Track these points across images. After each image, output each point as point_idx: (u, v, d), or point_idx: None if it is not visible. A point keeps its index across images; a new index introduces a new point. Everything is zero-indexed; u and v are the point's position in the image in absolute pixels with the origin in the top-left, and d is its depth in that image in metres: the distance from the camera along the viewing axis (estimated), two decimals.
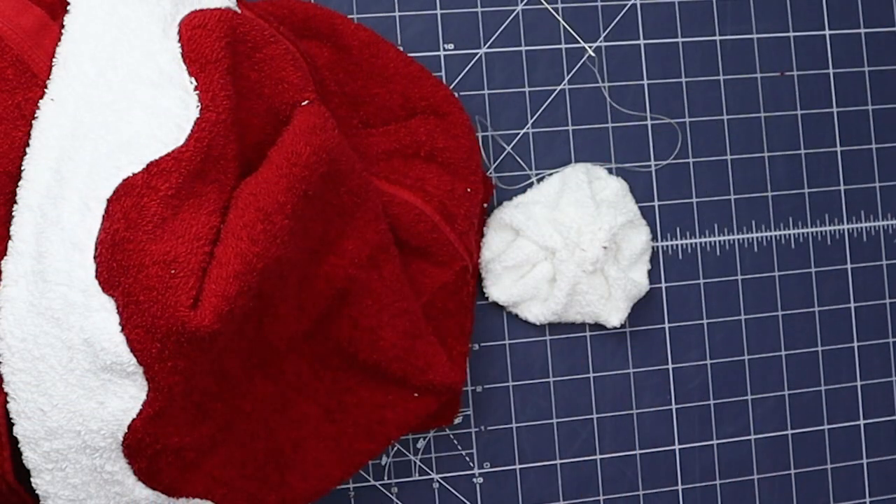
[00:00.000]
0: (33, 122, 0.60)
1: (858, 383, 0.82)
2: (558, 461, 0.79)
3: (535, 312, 0.76)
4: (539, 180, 0.77)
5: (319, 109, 0.64)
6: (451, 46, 0.77)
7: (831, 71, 0.82)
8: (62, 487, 0.60)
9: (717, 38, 0.80)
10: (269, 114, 0.64)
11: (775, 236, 0.81)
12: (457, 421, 0.77)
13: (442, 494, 0.77)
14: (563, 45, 0.78)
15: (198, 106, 0.59)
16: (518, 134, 0.78)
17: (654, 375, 0.79)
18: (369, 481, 0.76)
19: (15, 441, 0.60)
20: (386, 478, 0.77)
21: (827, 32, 0.82)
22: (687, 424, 0.80)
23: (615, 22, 0.79)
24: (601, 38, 0.79)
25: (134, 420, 0.59)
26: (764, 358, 0.81)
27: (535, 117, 0.78)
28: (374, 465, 0.76)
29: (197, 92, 0.59)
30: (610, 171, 0.79)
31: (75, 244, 0.57)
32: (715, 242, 0.80)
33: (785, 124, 0.81)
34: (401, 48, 0.75)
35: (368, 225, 0.66)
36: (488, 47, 0.78)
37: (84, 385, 0.58)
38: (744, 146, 0.81)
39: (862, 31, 0.83)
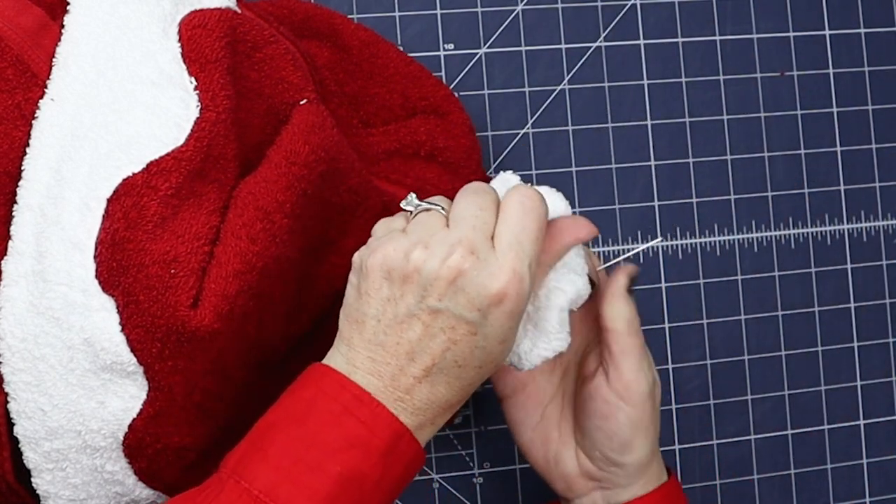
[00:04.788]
0: (33, 122, 0.60)
1: (858, 383, 0.82)
2: None
3: None
4: None
5: (318, 108, 0.64)
6: (451, 46, 0.77)
7: (831, 71, 0.82)
8: (62, 487, 0.60)
9: (717, 38, 0.80)
10: (269, 114, 0.64)
11: (775, 236, 0.81)
12: (457, 421, 0.77)
13: (442, 494, 0.77)
14: (563, 45, 0.79)
15: (198, 106, 0.59)
16: (518, 134, 0.78)
17: None
18: None
19: (15, 441, 0.60)
20: None
21: (827, 32, 0.82)
22: (687, 424, 0.80)
23: (615, 22, 0.79)
24: (601, 38, 0.79)
25: (134, 420, 0.59)
26: (764, 358, 0.81)
27: (535, 117, 0.78)
28: None
29: (197, 92, 0.59)
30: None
31: (75, 244, 0.57)
32: (715, 242, 0.80)
33: (785, 124, 0.81)
34: (401, 48, 0.75)
35: (369, 224, 0.66)
36: (488, 47, 0.78)
37: (84, 385, 0.58)
38: (744, 146, 0.81)
39: (862, 31, 0.83)
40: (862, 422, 0.82)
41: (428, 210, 0.58)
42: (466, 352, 0.55)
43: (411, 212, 0.59)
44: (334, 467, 0.53)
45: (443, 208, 0.58)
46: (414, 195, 0.59)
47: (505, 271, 0.54)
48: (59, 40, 0.61)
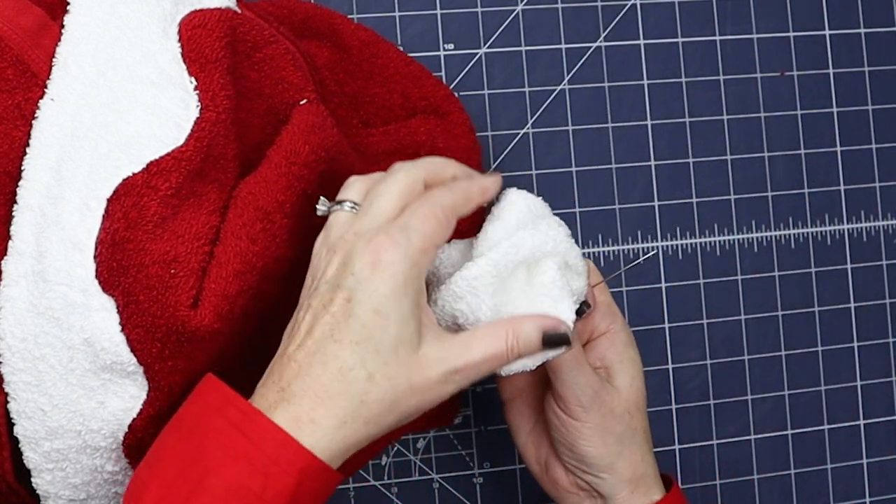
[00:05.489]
0: (33, 122, 0.60)
1: (858, 383, 0.82)
2: None
3: None
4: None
5: (318, 108, 0.64)
6: (451, 46, 0.77)
7: (831, 71, 0.82)
8: (63, 487, 0.60)
9: (717, 38, 0.80)
10: (269, 114, 0.64)
11: (775, 236, 0.81)
12: (457, 421, 0.77)
13: (442, 494, 0.77)
14: (563, 45, 0.79)
15: (198, 106, 0.59)
16: (518, 134, 0.78)
17: (654, 375, 0.79)
18: (369, 481, 0.76)
19: (15, 441, 0.60)
20: (386, 478, 0.77)
21: (827, 32, 0.82)
22: (687, 424, 0.80)
23: (615, 22, 0.79)
24: (601, 38, 0.79)
25: (134, 420, 0.59)
26: (764, 358, 0.81)
27: (535, 117, 0.78)
28: (374, 465, 0.76)
29: (197, 92, 0.59)
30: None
31: (75, 244, 0.57)
32: (715, 242, 0.80)
33: (785, 124, 0.81)
34: (401, 48, 0.75)
35: None
36: (488, 47, 0.78)
37: (84, 385, 0.58)
38: (744, 146, 0.81)
39: (862, 31, 0.83)
40: (862, 422, 0.82)
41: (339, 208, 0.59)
42: (341, 321, 0.53)
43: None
44: (213, 481, 0.52)
45: (352, 203, 0.59)
46: (323, 199, 0.60)
47: (380, 236, 0.54)
48: (59, 40, 0.61)
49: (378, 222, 0.56)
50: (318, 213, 0.60)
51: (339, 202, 0.59)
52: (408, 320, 0.54)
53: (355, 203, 0.58)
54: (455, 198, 0.57)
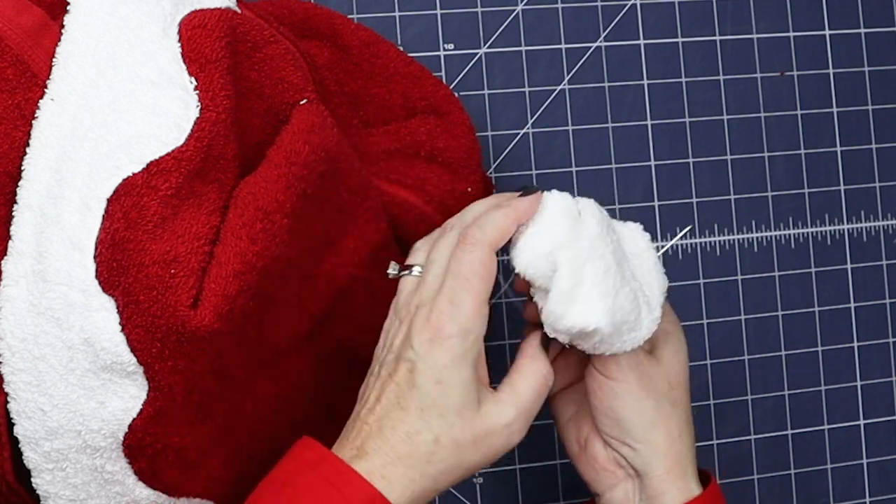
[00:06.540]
0: (33, 122, 0.60)
1: (858, 383, 0.82)
2: (558, 461, 0.79)
3: None
4: None
5: (318, 108, 0.64)
6: (451, 46, 0.77)
7: (831, 71, 0.82)
8: (63, 487, 0.60)
9: (717, 38, 0.80)
10: (269, 114, 0.64)
11: (775, 236, 0.81)
12: None
13: (442, 494, 0.77)
14: (563, 45, 0.79)
15: (198, 106, 0.59)
16: (518, 134, 0.78)
17: None
18: None
19: (15, 441, 0.60)
20: None
21: (827, 32, 0.82)
22: None
23: (615, 22, 0.79)
24: (601, 38, 0.79)
25: (134, 420, 0.59)
26: (764, 358, 0.81)
27: (535, 117, 0.78)
28: None
29: (197, 92, 0.59)
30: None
31: (75, 244, 0.57)
32: (715, 242, 0.80)
33: (785, 124, 0.81)
34: (401, 48, 0.75)
35: (369, 224, 0.66)
36: (488, 47, 0.78)
37: (84, 385, 0.58)
38: (744, 146, 0.81)
39: (862, 31, 0.83)
40: (862, 422, 0.82)
41: (407, 273, 0.63)
42: (406, 390, 0.58)
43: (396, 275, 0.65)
44: None
45: (420, 268, 0.63)
46: (393, 263, 0.65)
47: (434, 313, 0.59)
48: (59, 40, 0.61)
49: (434, 290, 0.60)
50: (389, 276, 0.64)
51: (408, 267, 0.63)
52: (468, 385, 0.59)
53: (422, 267, 0.63)
54: (488, 238, 0.60)
